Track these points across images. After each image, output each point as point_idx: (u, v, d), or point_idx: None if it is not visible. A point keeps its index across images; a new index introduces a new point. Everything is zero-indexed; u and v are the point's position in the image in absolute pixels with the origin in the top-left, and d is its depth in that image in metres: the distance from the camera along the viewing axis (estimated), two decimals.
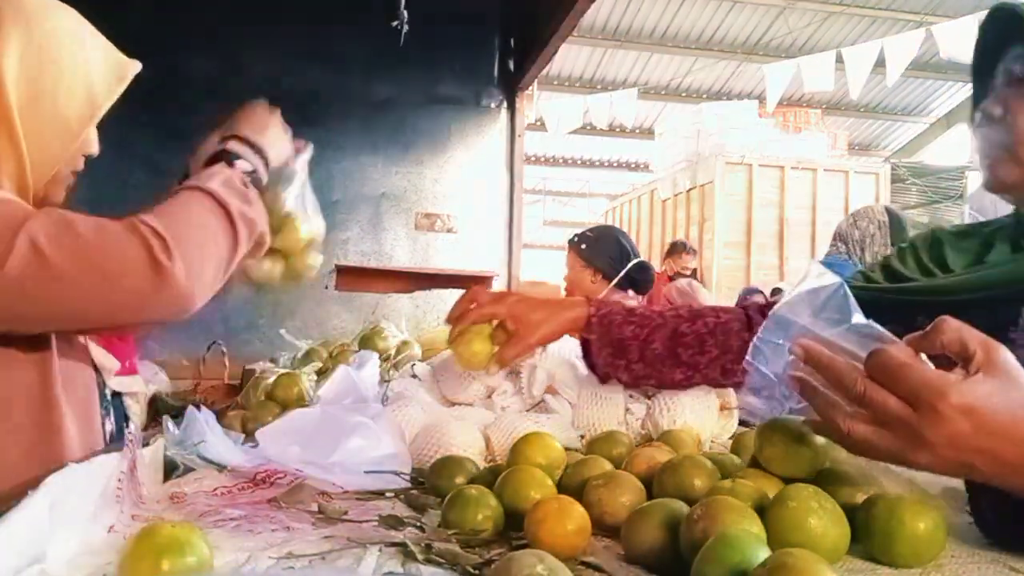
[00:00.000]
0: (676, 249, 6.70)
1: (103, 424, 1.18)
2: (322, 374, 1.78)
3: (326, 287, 3.46)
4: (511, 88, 3.74)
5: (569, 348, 1.33)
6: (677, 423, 1.20)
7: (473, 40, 3.68)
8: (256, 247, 1.13)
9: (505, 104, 3.73)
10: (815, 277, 0.74)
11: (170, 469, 1.01)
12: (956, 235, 1.09)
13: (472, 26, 3.63)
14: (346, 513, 0.85)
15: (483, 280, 3.55)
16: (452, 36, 3.55)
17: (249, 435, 1.22)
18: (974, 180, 10.79)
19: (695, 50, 12.02)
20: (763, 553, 0.59)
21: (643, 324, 1.22)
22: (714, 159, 8.48)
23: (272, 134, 1.20)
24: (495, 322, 1.21)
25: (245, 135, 1.16)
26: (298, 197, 1.26)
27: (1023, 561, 0.71)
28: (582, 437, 1.20)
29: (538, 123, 10.84)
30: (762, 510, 0.70)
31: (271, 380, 1.61)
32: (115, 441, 1.13)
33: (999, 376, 0.63)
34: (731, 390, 1.28)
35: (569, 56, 11.91)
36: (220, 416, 1.36)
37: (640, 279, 3.11)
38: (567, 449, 1.01)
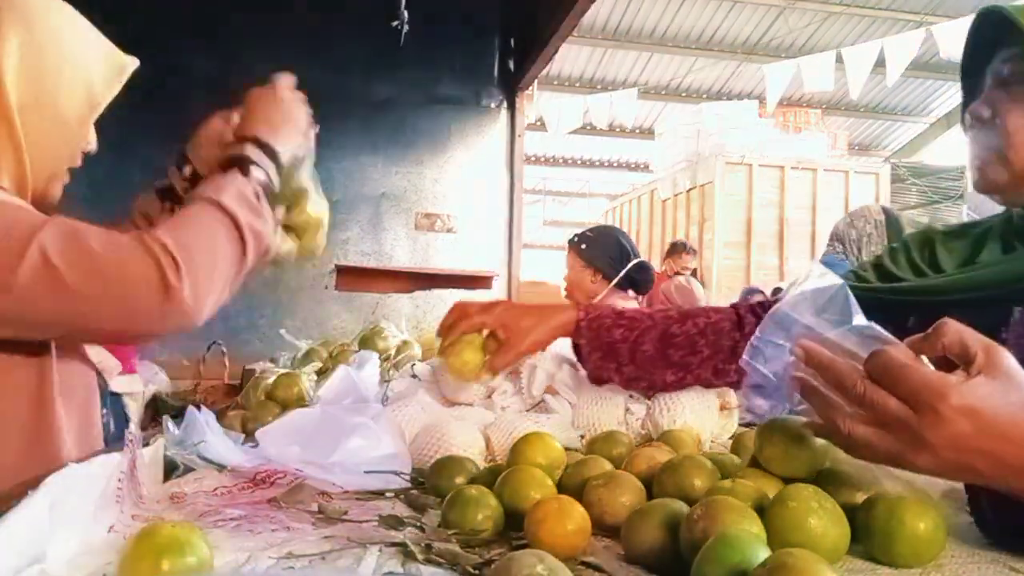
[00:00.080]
0: (676, 249, 6.70)
1: (104, 424, 1.18)
2: (322, 374, 1.78)
3: (326, 287, 3.46)
4: (511, 88, 3.75)
5: (569, 348, 1.33)
6: (677, 423, 1.20)
7: (473, 40, 3.68)
8: (262, 257, 1.11)
9: (505, 104, 3.74)
10: (816, 277, 0.74)
11: (170, 469, 1.01)
12: (947, 235, 1.09)
13: (472, 26, 3.64)
14: (346, 513, 0.85)
15: (483, 280, 3.55)
16: (452, 36, 3.55)
17: (249, 435, 1.22)
18: None
19: (695, 50, 12.01)
20: (763, 553, 0.59)
21: (633, 327, 1.23)
22: (714, 159, 8.48)
23: (287, 131, 1.18)
24: (486, 332, 1.22)
25: (261, 137, 1.14)
26: (310, 174, 1.25)
27: (1023, 561, 0.71)
28: (582, 437, 1.20)
29: (538, 123, 10.85)
30: (762, 510, 0.70)
31: (271, 380, 1.61)
32: (115, 441, 1.13)
33: (1000, 378, 0.63)
34: (732, 390, 1.28)
35: (569, 56, 11.91)
36: (220, 416, 1.36)
37: (640, 279, 3.11)
38: (567, 449, 1.01)
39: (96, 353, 1.24)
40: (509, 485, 0.83)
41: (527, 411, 1.29)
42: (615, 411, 1.25)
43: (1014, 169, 0.93)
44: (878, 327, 0.70)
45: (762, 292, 5.90)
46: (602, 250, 3.08)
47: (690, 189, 8.78)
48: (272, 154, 1.14)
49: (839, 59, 8.56)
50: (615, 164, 15.96)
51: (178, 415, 1.11)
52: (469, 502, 0.79)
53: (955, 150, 13.09)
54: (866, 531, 0.71)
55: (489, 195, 3.70)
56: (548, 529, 0.72)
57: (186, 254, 0.95)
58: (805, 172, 8.56)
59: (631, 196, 10.46)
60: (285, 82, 1.22)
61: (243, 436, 1.22)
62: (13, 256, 0.87)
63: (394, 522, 0.82)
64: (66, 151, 1.09)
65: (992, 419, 0.62)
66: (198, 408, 1.11)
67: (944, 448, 0.63)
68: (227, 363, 2.70)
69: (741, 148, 8.57)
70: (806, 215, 8.49)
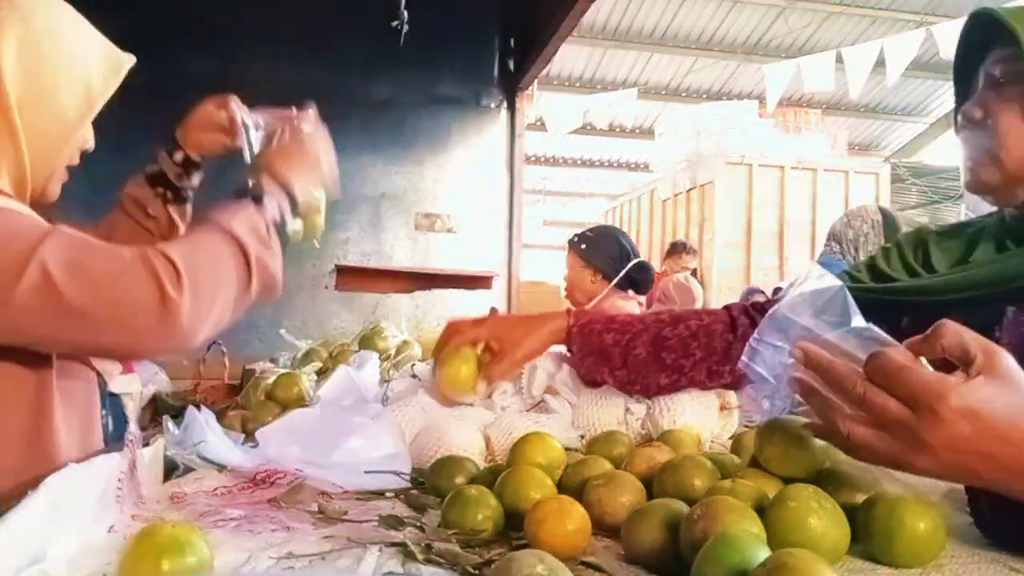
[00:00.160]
0: (676, 249, 6.71)
1: (104, 425, 1.18)
2: (322, 374, 1.78)
3: (326, 287, 3.46)
4: (511, 88, 3.75)
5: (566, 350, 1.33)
6: (677, 423, 1.20)
7: (473, 40, 3.68)
8: (267, 290, 1.11)
9: (505, 104, 3.74)
10: (815, 279, 0.74)
11: (170, 469, 1.01)
12: (941, 235, 1.09)
13: (472, 26, 3.64)
14: (346, 513, 0.85)
15: (483, 280, 3.55)
16: (452, 36, 3.55)
17: (249, 435, 1.22)
18: None
19: (695, 50, 12.00)
20: (763, 553, 0.59)
21: (624, 331, 1.24)
22: (714, 159, 8.47)
23: (307, 176, 1.20)
24: (480, 347, 1.23)
25: (283, 178, 1.16)
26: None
27: (1023, 561, 0.71)
28: (582, 437, 1.20)
29: (538, 123, 10.84)
30: (762, 510, 0.70)
31: (271, 380, 1.61)
32: (115, 441, 1.13)
33: (999, 379, 0.63)
34: (732, 390, 1.28)
35: (569, 56, 11.90)
36: (220, 416, 1.36)
37: (640, 279, 3.11)
38: (567, 449, 1.01)
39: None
40: (509, 485, 0.83)
41: (527, 411, 1.29)
42: (615, 411, 1.25)
43: (1006, 170, 0.93)
44: (877, 329, 0.69)
45: (762, 292, 5.90)
46: (602, 250, 3.08)
47: (690, 189, 8.77)
48: (290, 195, 1.16)
49: (839, 59, 8.55)
50: (615, 164, 15.95)
51: (178, 415, 1.11)
52: (469, 502, 0.79)
53: (955, 150, 13.03)
54: (866, 531, 0.71)
55: (489, 195, 3.70)
56: (548, 529, 0.72)
57: (191, 272, 0.95)
58: (805, 172, 8.55)
59: (631, 196, 10.46)
60: (309, 119, 1.24)
61: (243, 436, 1.22)
62: (12, 274, 0.88)
63: (394, 522, 0.82)
64: (65, 148, 1.09)
65: (991, 421, 0.62)
66: (198, 408, 1.11)
67: (943, 449, 0.63)
68: (227, 363, 2.70)
69: (741, 148, 8.56)
70: (806, 215, 8.48)
